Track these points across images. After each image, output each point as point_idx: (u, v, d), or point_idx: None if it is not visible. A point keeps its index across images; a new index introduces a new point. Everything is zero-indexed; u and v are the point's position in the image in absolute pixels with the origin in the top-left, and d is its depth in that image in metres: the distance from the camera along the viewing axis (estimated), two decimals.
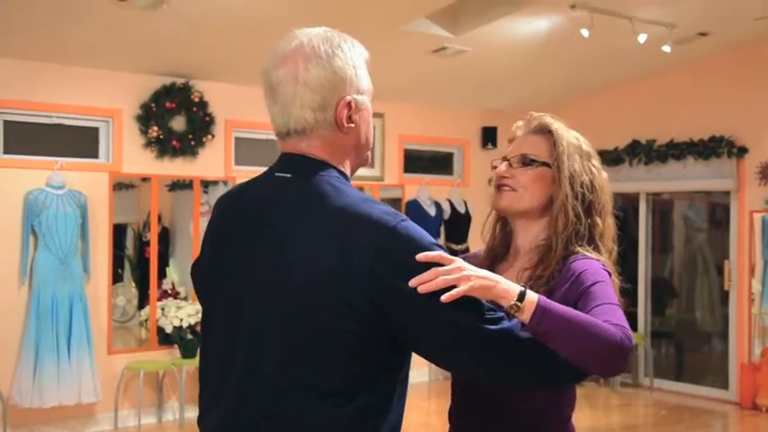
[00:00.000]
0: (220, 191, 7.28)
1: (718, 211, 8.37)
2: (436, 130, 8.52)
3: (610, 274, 1.76)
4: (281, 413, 1.45)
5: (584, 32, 6.08)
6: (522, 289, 1.52)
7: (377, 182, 8.17)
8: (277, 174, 1.56)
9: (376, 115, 8.10)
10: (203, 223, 7.29)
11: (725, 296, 7.72)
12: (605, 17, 6.05)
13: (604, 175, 1.95)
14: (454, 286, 1.41)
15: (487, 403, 1.80)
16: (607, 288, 1.69)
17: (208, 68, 6.80)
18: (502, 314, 1.49)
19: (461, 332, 1.43)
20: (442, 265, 1.43)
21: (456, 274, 1.43)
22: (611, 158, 8.26)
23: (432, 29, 6.33)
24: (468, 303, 1.44)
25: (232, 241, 1.58)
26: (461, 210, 8.51)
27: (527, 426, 1.78)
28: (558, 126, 1.96)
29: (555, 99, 8.53)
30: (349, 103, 1.54)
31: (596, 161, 1.96)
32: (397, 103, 8.15)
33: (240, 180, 7.07)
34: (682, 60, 7.44)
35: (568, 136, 1.95)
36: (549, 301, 1.54)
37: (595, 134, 9.43)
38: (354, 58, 1.56)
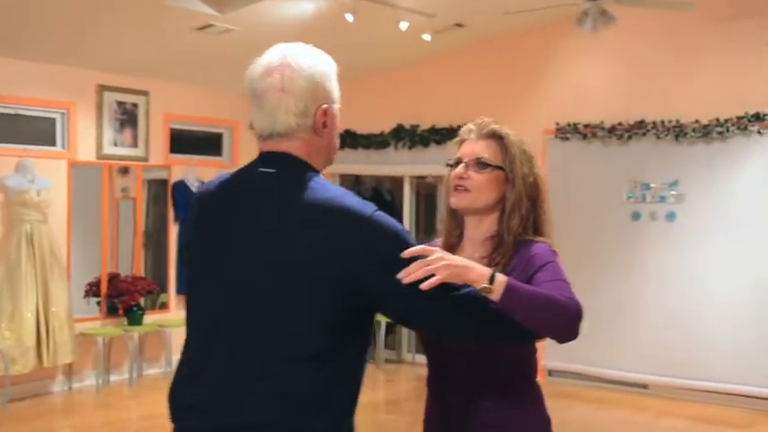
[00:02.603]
0: None
1: None
2: (205, 110, 8.31)
3: (557, 255, 2.03)
4: (267, 378, 1.66)
5: (349, 17, 6.19)
6: (492, 272, 1.76)
7: (140, 162, 7.83)
8: (260, 169, 1.77)
9: (140, 93, 7.76)
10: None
11: None
12: (369, 3, 6.20)
13: (542, 173, 2.20)
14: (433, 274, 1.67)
15: (461, 373, 2.03)
16: (557, 267, 1.97)
17: (152, 66, 6.29)
18: (467, 286, 1.75)
19: (436, 300, 1.70)
20: (424, 256, 1.68)
21: (437, 264, 1.68)
22: (377, 142, 8.52)
23: (197, 5, 6.15)
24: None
25: (221, 231, 1.77)
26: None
27: (499, 388, 2.04)
28: (507, 132, 2.16)
29: None
30: (325, 111, 1.78)
31: (536, 161, 2.18)
32: (162, 81, 7.84)
33: None
34: (441, 49, 7.81)
35: (517, 141, 2.15)
36: (514, 281, 1.80)
37: (362, 119, 9.68)
38: (329, 71, 1.81)
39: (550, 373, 7.60)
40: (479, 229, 2.12)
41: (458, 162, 2.13)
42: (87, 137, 7.38)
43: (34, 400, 6.83)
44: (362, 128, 8.58)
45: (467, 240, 2.14)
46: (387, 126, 8.47)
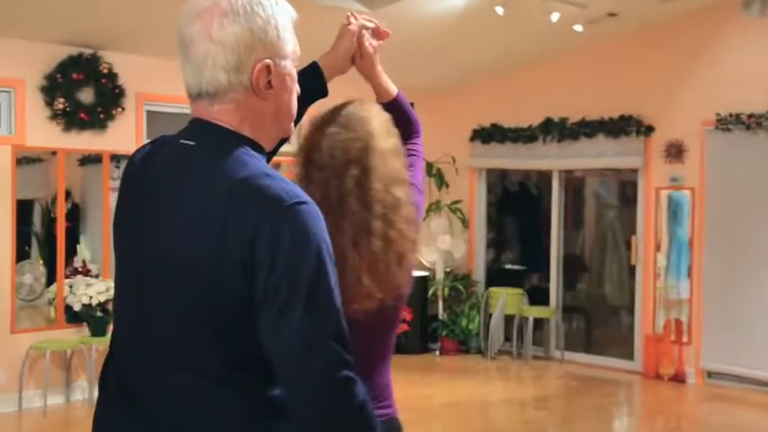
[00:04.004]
0: None
1: (627, 188, 8.62)
2: None
3: None
4: (169, 386, 1.43)
5: (499, 10, 6.14)
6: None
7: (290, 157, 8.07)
8: (182, 140, 1.49)
9: None
10: (114, 199, 7.10)
11: (632, 271, 7.98)
12: None
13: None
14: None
15: None
16: None
17: (118, 39, 6.58)
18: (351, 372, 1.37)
19: (307, 339, 1.35)
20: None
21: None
22: (525, 136, 8.41)
23: (347, 3, 6.27)
24: (331, 323, 1.36)
25: (132, 209, 1.54)
26: None
27: None
28: None
29: (471, 76, 8.62)
30: (268, 67, 1.44)
31: None
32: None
33: None
34: (593, 40, 7.60)
35: None
36: None
37: (509, 112, 9.59)
38: (277, 16, 1.45)
39: (709, 374, 7.26)
40: None
41: None
42: None
43: None
44: (510, 121, 8.49)
45: None
46: (535, 119, 8.34)
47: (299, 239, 1.36)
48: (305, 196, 1.40)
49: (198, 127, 1.48)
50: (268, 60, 1.44)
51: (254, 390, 1.41)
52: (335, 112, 1.91)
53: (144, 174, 1.54)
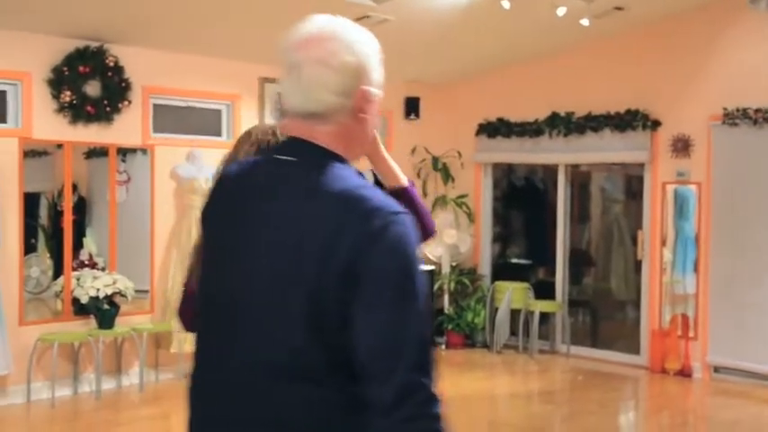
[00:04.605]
0: (138, 159, 7.11)
1: (633, 183, 8.61)
2: None
3: None
4: (268, 390, 1.51)
5: (506, 4, 6.13)
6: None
7: None
8: (280, 157, 1.59)
9: None
10: (121, 192, 7.11)
11: (638, 265, 7.98)
12: None
13: None
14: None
15: None
16: None
17: (124, 32, 6.59)
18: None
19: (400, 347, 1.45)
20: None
21: None
22: (531, 130, 8.40)
23: None
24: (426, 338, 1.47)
25: (233, 223, 1.61)
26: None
27: None
28: None
29: (476, 70, 8.60)
30: (366, 93, 1.57)
31: None
32: None
33: (159, 148, 6.98)
34: (599, 34, 7.58)
35: None
36: None
37: (516, 106, 9.57)
38: (375, 51, 1.60)
39: (716, 369, 7.26)
40: None
41: None
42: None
43: None
44: (516, 116, 8.48)
45: None
46: (541, 114, 8.33)
47: (398, 247, 1.46)
48: (401, 207, 1.51)
49: (297, 145, 1.59)
50: (366, 87, 1.57)
51: (346, 388, 1.50)
52: None
53: (239, 188, 1.64)
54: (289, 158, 1.57)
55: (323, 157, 1.55)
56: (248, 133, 2.21)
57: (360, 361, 1.46)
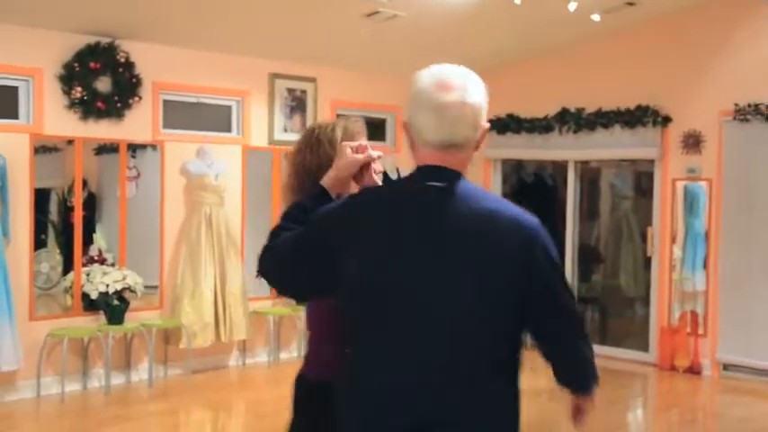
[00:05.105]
0: (149, 155, 7.13)
1: (643, 179, 8.58)
2: (369, 96, 8.47)
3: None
4: (458, 386, 1.85)
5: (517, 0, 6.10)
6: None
7: None
8: (429, 183, 1.88)
9: (308, 80, 8.02)
10: (131, 188, 7.13)
11: (648, 262, 7.95)
12: None
13: None
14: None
15: None
16: None
17: (135, 28, 6.60)
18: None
19: (569, 317, 2.00)
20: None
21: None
22: (541, 126, 8.37)
23: None
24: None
25: (403, 240, 1.86)
26: (393, 176, 8.46)
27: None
28: None
29: (487, 66, 8.56)
30: (486, 129, 1.95)
31: None
32: (329, 67, 8.07)
33: (169, 144, 7.00)
34: (610, 29, 7.55)
35: None
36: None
37: (526, 102, 9.52)
38: (486, 92, 1.96)
39: (725, 367, 7.23)
40: None
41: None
42: (260, 123, 7.71)
43: (213, 372, 7.26)
44: (526, 111, 8.46)
45: None
46: (551, 109, 8.30)
47: (553, 253, 1.93)
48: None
49: (441, 171, 1.89)
50: (486, 124, 1.95)
51: (516, 379, 1.98)
52: None
53: (402, 213, 1.89)
54: (438, 184, 1.87)
55: (463, 181, 1.89)
56: (312, 130, 2.47)
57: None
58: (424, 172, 1.90)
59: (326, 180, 2.13)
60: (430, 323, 1.82)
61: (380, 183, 2.19)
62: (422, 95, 1.88)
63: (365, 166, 2.17)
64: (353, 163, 2.14)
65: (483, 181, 8.92)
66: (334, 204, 2.00)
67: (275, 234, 2.01)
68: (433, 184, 1.87)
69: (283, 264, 1.98)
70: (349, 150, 2.15)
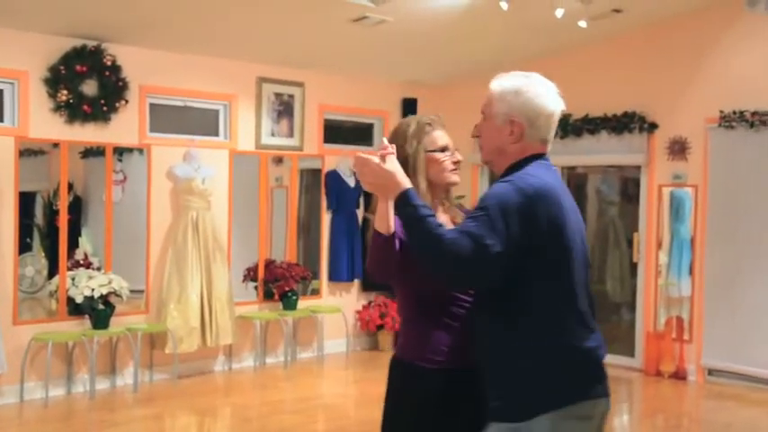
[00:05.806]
0: (135, 159, 7.10)
1: (629, 185, 8.61)
2: (357, 101, 8.48)
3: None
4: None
5: (504, 5, 6.12)
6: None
7: (296, 152, 8.10)
8: (553, 167, 2.51)
9: (295, 84, 8.01)
10: (117, 192, 7.09)
11: (634, 268, 7.98)
12: None
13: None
14: None
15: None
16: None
17: (121, 31, 6.58)
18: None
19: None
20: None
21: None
22: None
23: None
24: None
25: (568, 213, 2.39)
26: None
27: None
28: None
29: (474, 71, 8.58)
30: None
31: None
32: (317, 72, 8.07)
33: (156, 148, 6.97)
34: (597, 36, 7.59)
35: None
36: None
37: None
38: None
39: (710, 372, 7.27)
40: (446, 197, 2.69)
41: (443, 149, 2.65)
42: (247, 127, 7.70)
43: (199, 377, 7.23)
44: None
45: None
46: None
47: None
48: None
49: (548, 160, 2.54)
50: None
51: None
52: None
53: (563, 194, 2.43)
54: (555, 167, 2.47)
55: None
56: (407, 123, 2.64)
57: None
58: (546, 159, 2.56)
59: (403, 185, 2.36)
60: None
61: (455, 175, 2.64)
62: (546, 100, 2.56)
63: (404, 165, 2.37)
64: (374, 170, 2.34)
65: (470, 186, 8.94)
66: None
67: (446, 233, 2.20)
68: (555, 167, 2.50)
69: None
70: (375, 159, 2.34)
